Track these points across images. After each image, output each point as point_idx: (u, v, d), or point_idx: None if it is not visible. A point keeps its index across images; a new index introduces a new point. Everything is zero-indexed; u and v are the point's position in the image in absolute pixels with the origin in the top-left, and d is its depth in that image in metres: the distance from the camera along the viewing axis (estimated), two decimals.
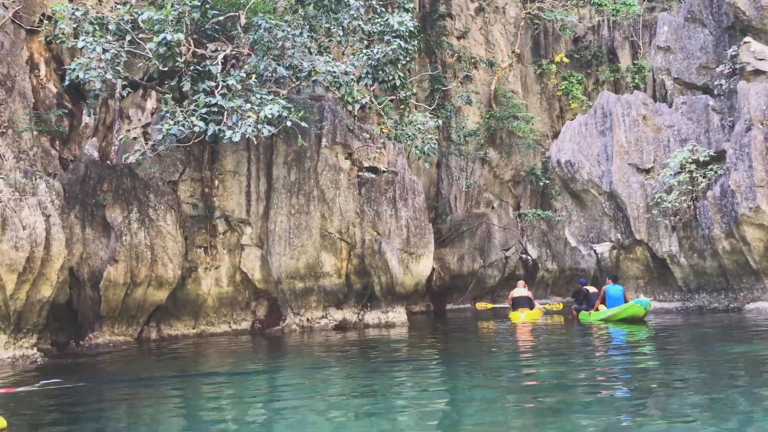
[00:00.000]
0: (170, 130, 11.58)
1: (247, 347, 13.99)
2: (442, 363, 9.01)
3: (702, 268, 14.63)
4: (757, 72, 13.42)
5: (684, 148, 14.79)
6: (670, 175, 14.70)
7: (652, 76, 28.19)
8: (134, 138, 18.10)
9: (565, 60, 28.42)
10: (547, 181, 26.88)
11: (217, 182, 17.21)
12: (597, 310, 15.71)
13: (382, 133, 17.65)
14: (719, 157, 14.27)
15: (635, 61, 30.08)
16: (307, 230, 16.38)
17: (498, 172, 27.20)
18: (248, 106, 11.02)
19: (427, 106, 14.98)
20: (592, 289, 16.54)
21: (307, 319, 16.74)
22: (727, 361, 7.66)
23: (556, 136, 26.46)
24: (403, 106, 14.76)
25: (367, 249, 16.53)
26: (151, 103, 19.00)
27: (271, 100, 11.20)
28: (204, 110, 11.12)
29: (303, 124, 12.16)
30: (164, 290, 16.01)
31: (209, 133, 11.42)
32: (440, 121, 14.79)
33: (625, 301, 14.92)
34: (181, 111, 11.51)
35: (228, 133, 10.86)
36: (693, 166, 14.26)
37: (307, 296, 16.66)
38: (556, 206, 28.07)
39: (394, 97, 16.33)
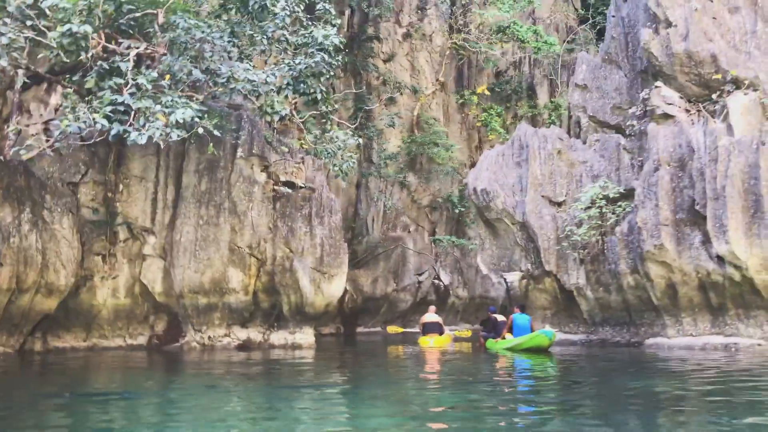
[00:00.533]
0: (69, 126, 10.71)
1: (140, 363, 13.08)
2: (346, 389, 8.58)
3: (607, 302, 14.97)
4: (666, 115, 13.98)
5: (595, 184, 15.18)
6: (581, 209, 15.03)
7: (568, 114, 29.23)
8: (34, 134, 16.85)
9: (487, 92, 29.03)
10: (462, 209, 27.17)
11: (121, 187, 16.25)
12: (504, 338, 15.79)
13: (302, 147, 17.25)
14: (628, 194, 14.71)
15: (552, 99, 31.09)
16: (215, 243, 15.66)
17: (416, 196, 27.28)
18: (158, 107, 10.34)
19: (348, 125, 14.72)
20: (500, 318, 16.65)
21: (209, 337, 15.95)
22: (625, 395, 7.71)
23: (473, 165, 26.84)
24: (324, 121, 14.42)
25: (278, 266, 15.98)
26: (55, 99, 17.71)
27: (184, 103, 10.56)
28: (109, 108, 10.35)
29: (216, 132, 11.56)
30: (54, 298, 14.87)
31: (113, 132, 10.64)
32: (361, 140, 14.56)
33: (532, 330, 15.06)
34: (83, 107, 10.67)
35: (133, 134, 10.13)
36: (603, 202, 14.63)
37: (211, 313, 15.89)
38: (470, 234, 28.40)
39: (316, 113, 15.97)
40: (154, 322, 16.56)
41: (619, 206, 14.52)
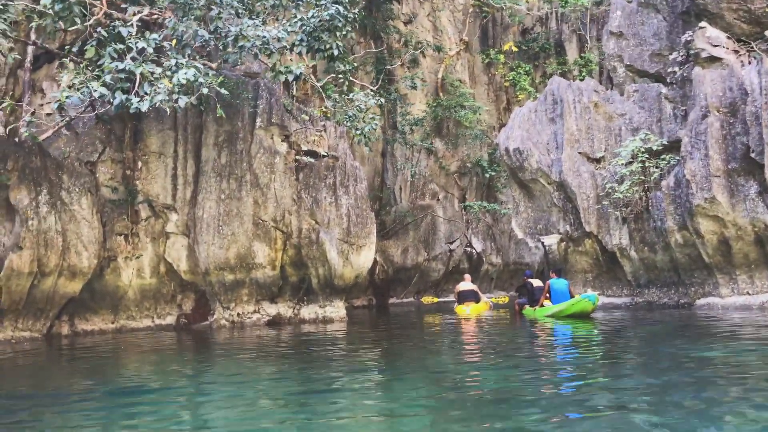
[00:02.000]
0: (68, 98, 10.08)
1: (169, 345, 12.62)
2: (382, 370, 7.86)
3: (653, 262, 14.09)
4: (713, 59, 12.90)
5: (636, 137, 14.20)
6: (622, 164, 14.10)
7: (599, 69, 27.96)
8: (48, 114, 16.41)
9: (514, 49, 27.84)
10: (493, 173, 26.26)
11: (140, 164, 15.77)
12: (542, 305, 15.06)
13: (323, 115, 16.53)
14: (672, 146, 13.73)
15: (582, 55, 29.73)
16: (239, 217, 15.12)
17: (444, 163, 26.41)
18: (160, 70, 9.65)
19: (369, 87, 13.87)
20: (536, 283, 15.86)
21: (238, 314, 15.50)
22: (681, 365, 6.88)
23: (502, 128, 25.85)
24: (342, 81, 13.58)
25: (304, 239, 15.39)
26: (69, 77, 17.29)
27: (186, 63, 9.85)
28: (110, 77, 9.69)
29: (223, 91, 10.77)
30: (78, 281, 14.52)
31: (115, 102, 10.00)
32: (382, 100, 13.73)
33: (571, 296, 14.29)
34: (80, 76, 10.03)
35: (135, 101, 9.47)
36: (645, 156, 13.67)
37: (238, 289, 15.41)
38: (502, 199, 27.52)
39: (335, 76, 15.16)
40: (181, 300, 16.16)
41: (663, 159, 13.54)
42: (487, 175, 26.33)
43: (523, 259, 28.61)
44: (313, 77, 15.32)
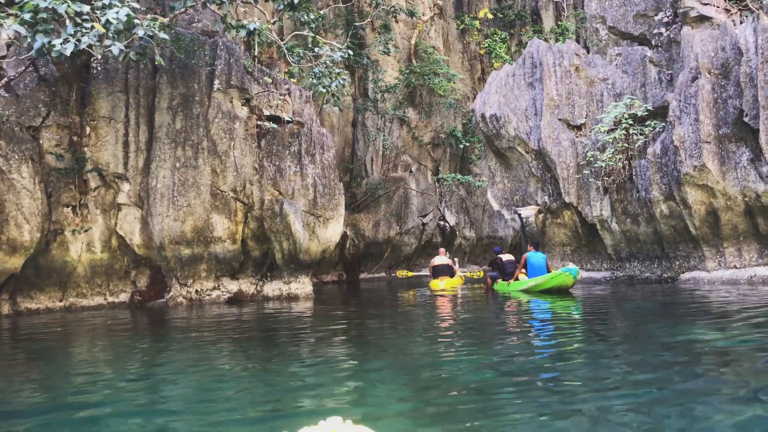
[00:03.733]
0: None
1: (121, 325, 11.55)
2: (347, 358, 6.96)
3: (635, 235, 13.39)
4: (702, 18, 12.11)
5: (619, 102, 13.39)
6: (604, 131, 13.30)
7: (576, 38, 27.10)
8: None
9: (489, 16, 26.85)
10: (467, 144, 25.43)
11: (88, 129, 14.54)
12: (517, 279, 14.33)
13: (288, 79, 15.41)
14: (657, 112, 12.96)
15: (559, 23, 28.89)
16: (195, 188, 14.03)
17: (417, 133, 25.46)
18: (88, 9, 8.45)
19: (336, 44, 12.70)
20: (506, 257, 15.11)
21: (196, 291, 14.49)
22: (669, 350, 6.10)
23: (479, 94, 24.95)
24: (306, 35, 12.41)
25: (267, 211, 14.38)
26: (5, 34, 15.86)
27: (122, 4, 8.65)
28: (29, 15, 8.46)
29: (162, 35, 9.51)
30: (19, 256, 13.34)
31: (36, 46, 8.76)
32: (350, 52, 12.64)
33: (548, 270, 13.56)
34: None
35: (58, 44, 8.26)
36: (629, 122, 12.87)
37: (196, 264, 14.37)
38: (476, 171, 26.76)
39: (300, 33, 14.01)
40: (135, 277, 15.08)
41: (648, 126, 12.76)
42: (462, 146, 25.49)
43: (497, 233, 28.02)
44: (275, 35, 14.14)
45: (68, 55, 8.29)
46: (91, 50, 8.56)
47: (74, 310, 14.30)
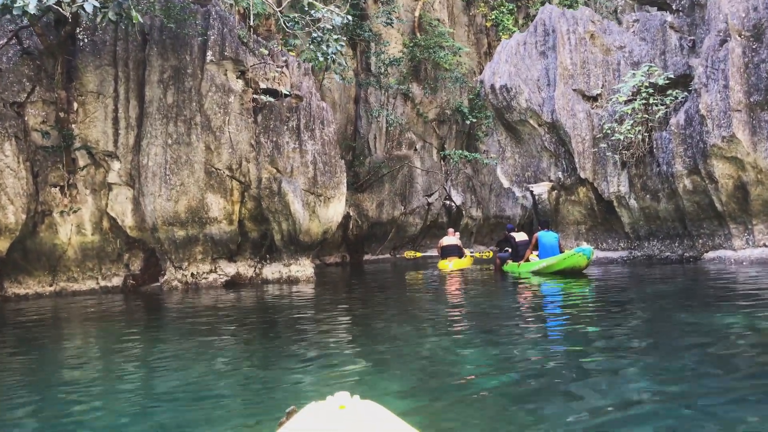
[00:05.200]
0: None
1: (111, 311, 10.86)
2: (350, 353, 6.36)
3: (654, 212, 12.61)
4: None
5: (637, 71, 12.54)
6: (622, 102, 12.47)
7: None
8: None
9: None
10: (474, 120, 24.54)
11: (75, 105, 13.79)
12: (527, 260, 13.60)
13: (282, 47, 14.59)
14: (678, 81, 12.13)
15: None
16: (188, 165, 13.29)
17: (422, 109, 24.59)
18: None
19: (335, 9, 11.81)
20: (520, 237, 14.36)
21: (192, 274, 13.82)
22: (696, 339, 5.40)
23: (488, 64, 24.04)
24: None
25: (265, 189, 13.65)
26: None
27: None
28: None
29: None
30: (4, 239, 12.68)
31: None
32: (350, 18, 11.80)
33: (560, 250, 12.83)
34: None
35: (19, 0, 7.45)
36: (649, 91, 12.03)
37: (191, 247, 13.68)
38: (483, 149, 25.92)
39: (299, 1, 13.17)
40: (128, 260, 14.41)
41: (669, 95, 11.92)
42: (468, 122, 24.60)
43: (504, 213, 27.23)
44: (271, 1, 13.29)
45: (33, 12, 7.51)
46: (60, 8, 7.78)
47: (65, 295, 13.67)
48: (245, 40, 13.77)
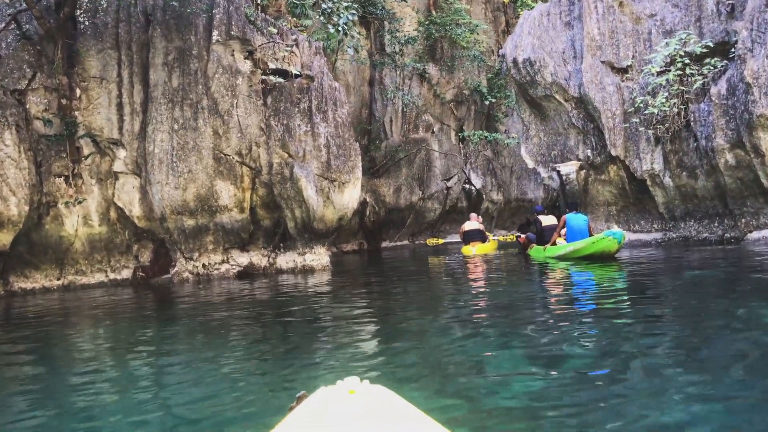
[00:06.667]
0: None
1: (119, 306, 10.30)
2: (365, 329, 5.91)
3: (692, 190, 11.78)
4: None
5: (671, 39, 11.66)
6: (654, 73, 11.61)
7: None
8: None
9: None
10: (493, 101, 23.67)
11: (78, 91, 13.23)
12: (554, 244, 12.87)
13: (296, 29, 13.89)
14: (716, 49, 11.24)
15: None
16: (196, 151, 12.69)
17: (438, 90, 23.77)
18: None
19: None
20: (547, 221, 13.61)
21: (203, 265, 13.26)
22: (752, 338, 4.67)
23: (509, 37, 23.15)
24: None
25: (276, 175, 13.01)
26: None
27: None
28: None
29: None
30: (7, 232, 12.21)
31: None
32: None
33: (590, 233, 12.08)
34: None
35: None
36: (685, 60, 11.16)
37: (201, 236, 13.11)
38: (503, 130, 25.08)
39: None
40: (138, 251, 13.90)
41: (707, 64, 11.04)
42: (487, 103, 23.74)
43: (526, 196, 26.41)
44: None
45: None
46: None
47: (73, 288, 13.20)
48: (252, 19, 13.09)
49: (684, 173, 11.70)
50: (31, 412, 4.13)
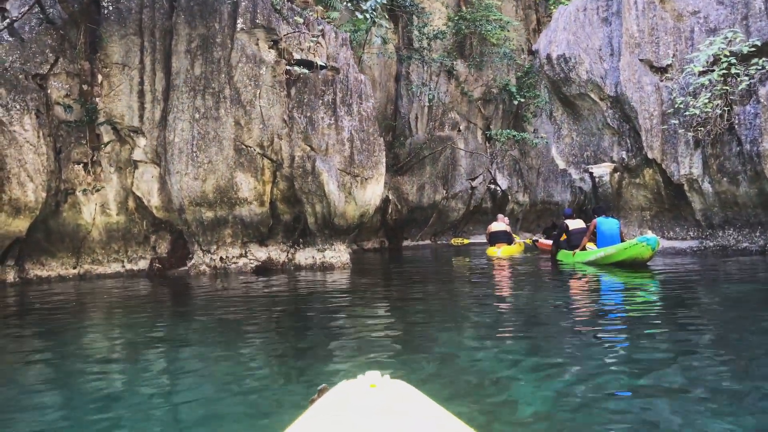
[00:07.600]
0: None
1: (143, 296, 10.00)
2: (383, 337, 5.60)
3: (732, 197, 11.18)
4: None
5: (715, 37, 11.07)
6: (696, 73, 11.03)
7: None
8: None
9: None
10: (522, 100, 23.10)
11: (100, 77, 13.02)
12: (584, 249, 12.34)
13: (322, 18, 13.52)
14: (764, 49, 10.63)
15: None
16: (217, 142, 12.37)
17: (466, 88, 23.27)
18: None
19: None
20: (574, 225, 13.07)
21: (221, 258, 12.96)
22: None
23: (532, 53, 22.59)
24: None
25: (298, 169, 12.66)
26: None
27: None
28: None
29: None
30: (24, 218, 12.01)
31: None
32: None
33: (621, 239, 11.54)
34: None
35: None
36: (731, 60, 10.57)
37: (220, 229, 12.81)
38: (531, 131, 24.51)
39: None
40: (155, 242, 13.66)
41: (754, 64, 10.45)
42: (516, 102, 23.19)
43: (553, 198, 25.81)
44: None
45: None
46: None
47: (89, 278, 12.99)
48: (278, 7, 12.74)
49: (725, 179, 11.11)
50: (42, 399, 4.05)
